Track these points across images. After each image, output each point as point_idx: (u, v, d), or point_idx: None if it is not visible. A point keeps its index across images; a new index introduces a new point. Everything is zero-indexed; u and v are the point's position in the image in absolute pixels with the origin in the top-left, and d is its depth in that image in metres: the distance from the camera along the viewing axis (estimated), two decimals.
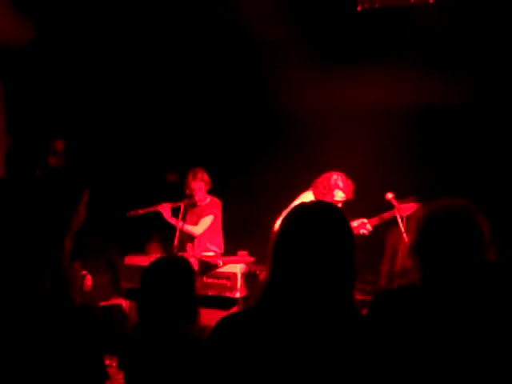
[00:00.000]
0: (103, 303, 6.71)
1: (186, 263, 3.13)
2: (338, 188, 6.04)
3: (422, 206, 2.49)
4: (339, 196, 6.05)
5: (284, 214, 2.06)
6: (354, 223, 6.22)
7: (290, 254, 1.96)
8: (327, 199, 6.05)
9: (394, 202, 5.93)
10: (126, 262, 6.56)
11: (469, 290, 1.74)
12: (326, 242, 1.95)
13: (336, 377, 1.75)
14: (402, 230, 5.76)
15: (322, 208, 2.06)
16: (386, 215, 6.13)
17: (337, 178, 6.07)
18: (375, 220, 6.21)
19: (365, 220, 6.25)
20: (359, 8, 7.02)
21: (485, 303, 1.46)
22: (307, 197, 5.96)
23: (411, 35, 7.00)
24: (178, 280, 2.98)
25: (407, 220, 5.72)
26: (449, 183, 6.65)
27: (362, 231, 6.26)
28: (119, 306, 6.59)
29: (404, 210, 5.83)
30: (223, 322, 2.00)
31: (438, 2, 6.80)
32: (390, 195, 5.97)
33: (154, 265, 3.08)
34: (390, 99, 7.04)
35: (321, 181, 6.10)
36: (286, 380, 1.83)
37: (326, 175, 6.12)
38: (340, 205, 6.11)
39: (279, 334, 1.88)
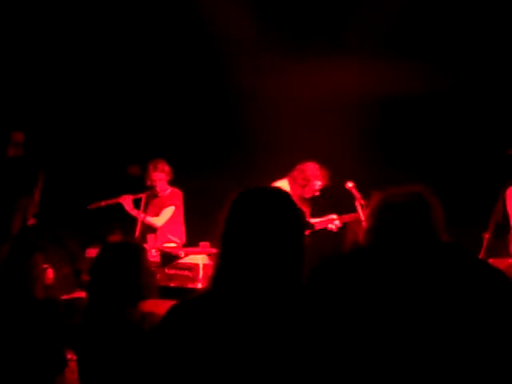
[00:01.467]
0: (65, 296, 6.66)
1: (132, 248, 3.19)
2: (316, 178, 6.13)
3: (379, 193, 2.53)
4: (318, 185, 6.15)
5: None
6: (323, 218, 6.29)
7: (238, 238, 1.98)
8: (308, 190, 6.14)
9: (354, 192, 5.98)
10: (87, 255, 6.52)
11: (414, 263, 1.76)
12: (272, 225, 1.97)
13: (284, 356, 1.78)
14: (362, 217, 5.82)
15: (267, 192, 2.08)
16: (350, 216, 6.20)
17: (313, 168, 6.17)
18: (346, 217, 6.28)
19: (334, 216, 6.31)
20: None
21: (430, 278, 1.48)
22: (282, 186, 6.00)
23: (372, 23, 7.04)
24: (120, 264, 3.06)
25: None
26: (412, 172, 6.73)
27: (330, 226, 6.33)
28: (81, 299, 6.55)
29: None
30: (174, 308, 2.02)
31: None
32: (350, 184, 6.03)
33: (100, 250, 3.19)
34: (351, 89, 7.09)
35: (298, 173, 6.17)
36: (236, 362, 1.85)
37: (302, 167, 6.19)
38: (317, 193, 6.21)
39: (229, 317, 1.90)
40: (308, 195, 6.28)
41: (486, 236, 5.56)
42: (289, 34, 7.39)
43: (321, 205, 6.33)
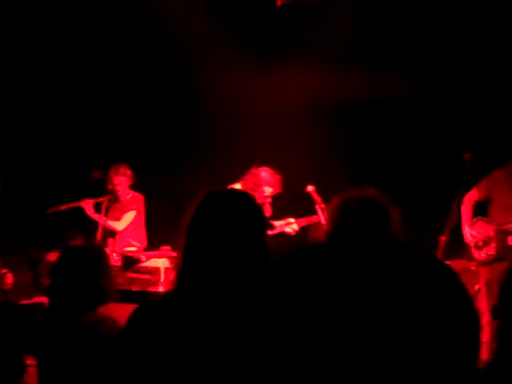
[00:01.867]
0: (25, 301, 6.60)
1: (92, 251, 3.18)
2: (267, 184, 6.11)
3: (338, 196, 2.59)
4: (268, 191, 6.12)
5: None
6: (281, 222, 6.31)
7: (202, 239, 2.01)
8: (258, 195, 6.13)
9: (315, 196, 6.04)
10: (48, 259, 6.48)
11: (370, 259, 1.80)
12: (236, 226, 2.01)
13: (250, 351, 1.81)
14: (323, 221, 5.88)
15: (231, 194, 2.14)
16: (309, 220, 6.25)
17: (265, 173, 6.14)
18: (303, 221, 6.31)
19: (291, 219, 6.34)
20: (278, 3, 7.11)
21: (384, 275, 1.52)
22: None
23: (333, 29, 7.13)
24: (79, 267, 3.04)
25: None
26: (370, 176, 6.82)
27: (288, 230, 6.36)
28: (41, 304, 6.51)
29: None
30: (139, 310, 2.03)
31: None
32: (310, 188, 6.08)
33: (60, 254, 3.16)
34: (311, 95, 7.16)
35: (250, 177, 6.15)
36: (202, 360, 1.88)
37: (254, 171, 6.17)
38: (269, 199, 6.20)
39: (194, 316, 1.93)
40: (258, 200, 6.22)
41: (443, 239, 5.66)
42: (249, 40, 7.44)
43: (282, 209, 6.38)
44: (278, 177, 6.13)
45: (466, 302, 0.94)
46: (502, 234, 5.57)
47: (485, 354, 5.34)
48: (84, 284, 3.01)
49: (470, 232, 5.86)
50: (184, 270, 2.03)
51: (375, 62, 7.11)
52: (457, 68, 6.98)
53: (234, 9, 7.54)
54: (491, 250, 5.65)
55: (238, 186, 6.16)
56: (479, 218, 5.90)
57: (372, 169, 7.02)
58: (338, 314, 1.00)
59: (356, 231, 2.27)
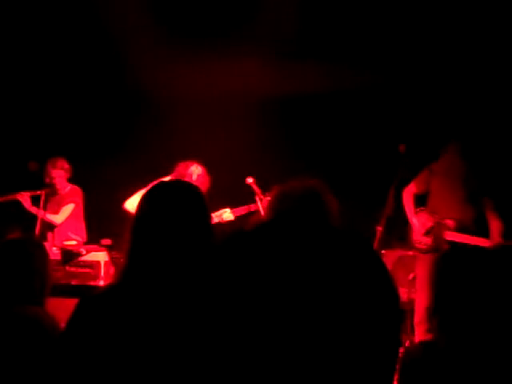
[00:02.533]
0: None
1: (27, 245, 3.11)
2: (191, 180, 6.07)
3: (276, 186, 2.66)
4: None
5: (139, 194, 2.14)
6: (216, 213, 6.33)
7: (150, 230, 2.04)
8: None
9: (255, 187, 6.10)
10: None
11: (305, 244, 1.84)
12: (182, 216, 2.04)
13: (196, 340, 1.83)
14: (262, 212, 5.95)
15: (175, 185, 2.19)
16: (253, 207, 6.29)
17: (194, 169, 6.10)
18: (240, 210, 6.33)
19: (227, 209, 6.35)
20: None
21: (317, 261, 1.55)
22: None
23: (270, 23, 7.19)
24: (14, 261, 2.97)
25: None
26: (309, 168, 6.91)
27: (225, 219, 6.37)
28: None
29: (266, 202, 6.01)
30: (83, 302, 2.03)
31: None
32: (250, 180, 6.13)
33: None
34: (248, 87, 7.21)
35: (180, 168, 6.13)
36: (149, 350, 1.89)
37: (187, 163, 6.15)
38: None
39: (141, 305, 1.94)
40: None
41: (379, 229, 5.81)
42: (187, 34, 7.44)
43: (222, 200, 6.40)
44: (207, 178, 6.07)
45: (386, 284, 1.00)
46: (440, 227, 5.73)
47: (419, 336, 5.49)
48: (22, 278, 2.94)
49: (415, 223, 5.94)
50: (130, 261, 2.04)
51: (311, 54, 7.20)
52: (394, 61, 7.11)
53: (173, 4, 7.54)
54: (429, 240, 5.81)
55: (166, 179, 6.07)
56: (422, 208, 6.03)
57: (311, 160, 7.12)
58: (270, 293, 1.05)
59: (292, 218, 2.32)
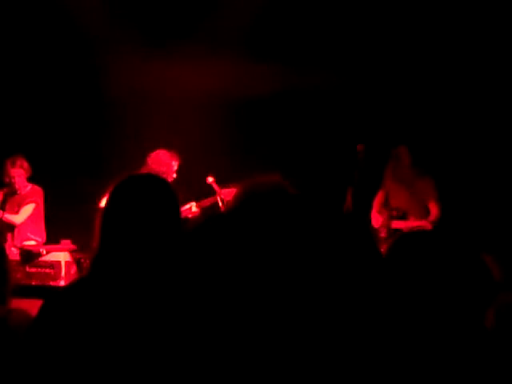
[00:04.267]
0: None
1: None
2: (173, 159, 6.22)
3: (239, 185, 2.70)
4: (176, 166, 6.24)
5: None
6: (184, 207, 6.35)
7: (118, 223, 2.05)
8: (170, 174, 6.16)
9: (215, 186, 6.15)
10: None
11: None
12: (151, 209, 2.05)
13: (169, 331, 1.84)
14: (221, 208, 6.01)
15: (144, 177, 2.21)
16: (209, 200, 6.35)
17: (164, 152, 6.26)
18: (205, 202, 6.38)
19: (193, 203, 6.40)
20: None
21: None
22: None
23: (230, 24, 7.23)
24: None
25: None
26: (268, 168, 6.95)
27: (193, 210, 6.41)
28: None
29: (226, 195, 6.08)
30: (52, 295, 2.03)
31: None
32: (210, 179, 6.19)
33: None
34: (210, 86, 7.23)
35: (155, 162, 6.16)
36: (122, 345, 1.88)
37: (156, 156, 6.22)
38: (175, 175, 6.29)
39: (111, 298, 1.94)
40: (170, 179, 6.23)
41: None
42: (154, 33, 7.45)
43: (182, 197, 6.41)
44: (172, 151, 6.26)
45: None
46: (388, 219, 6.38)
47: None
48: None
49: (375, 216, 6.51)
50: (99, 254, 2.04)
51: (268, 55, 7.26)
52: (355, 61, 7.20)
53: (142, 4, 7.54)
54: (383, 233, 6.35)
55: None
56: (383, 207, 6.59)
57: (270, 160, 7.17)
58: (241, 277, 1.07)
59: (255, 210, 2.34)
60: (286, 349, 1.08)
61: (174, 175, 6.32)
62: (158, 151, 6.33)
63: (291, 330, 1.08)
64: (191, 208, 6.38)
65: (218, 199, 6.14)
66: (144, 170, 6.10)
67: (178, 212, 2.15)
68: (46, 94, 7.96)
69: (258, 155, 7.27)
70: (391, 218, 6.35)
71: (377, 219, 6.46)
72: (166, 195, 2.12)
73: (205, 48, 7.21)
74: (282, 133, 7.48)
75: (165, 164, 6.24)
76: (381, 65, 7.15)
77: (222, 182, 6.21)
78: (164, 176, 6.12)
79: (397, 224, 6.28)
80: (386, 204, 6.57)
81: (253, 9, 7.10)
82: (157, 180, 2.19)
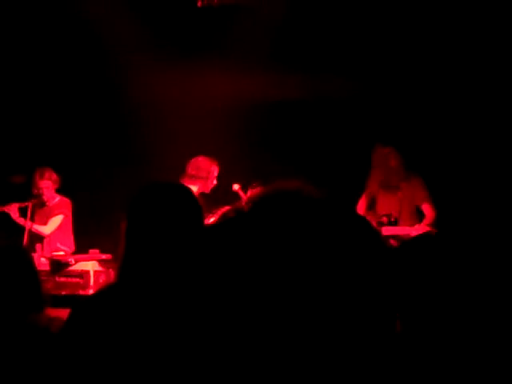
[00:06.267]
0: None
1: (22, 251, 3.11)
2: (213, 165, 6.16)
3: (261, 190, 2.70)
4: (216, 172, 6.20)
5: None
6: (217, 213, 6.31)
7: (140, 231, 2.06)
8: (210, 180, 6.12)
9: (241, 193, 6.15)
10: None
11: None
12: (174, 217, 2.06)
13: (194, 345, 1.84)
14: None
15: (167, 186, 2.20)
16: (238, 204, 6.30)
17: (204, 159, 6.20)
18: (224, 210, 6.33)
19: (228, 208, 6.33)
20: (199, 4, 7.19)
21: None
22: None
23: (252, 32, 7.25)
24: (15, 268, 2.93)
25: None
26: (292, 174, 6.94)
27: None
28: None
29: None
30: (80, 304, 2.06)
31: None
32: (236, 186, 6.18)
33: None
34: (233, 94, 7.25)
35: (195, 169, 6.05)
36: (151, 352, 1.90)
37: (196, 162, 6.12)
38: (216, 182, 6.24)
39: (136, 309, 1.95)
40: (211, 185, 6.17)
41: None
42: (174, 43, 7.49)
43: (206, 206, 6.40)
44: (212, 158, 6.24)
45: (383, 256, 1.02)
46: (378, 226, 6.03)
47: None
48: (25, 285, 2.89)
49: None
50: (125, 263, 2.06)
51: (297, 61, 7.27)
52: (375, 68, 7.19)
53: (156, 9, 7.58)
54: None
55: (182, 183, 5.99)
56: (369, 212, 6.35)
57: (294, 166, 7.17)
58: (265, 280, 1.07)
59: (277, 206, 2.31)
60: (304, 353, 1.08)
61: (215, 181, 6.25)
62: (197, 158, 6.24)
63: (308, 333, 1.08)
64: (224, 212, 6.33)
65: (246, 207, 6.10)
66: (183, 178, 6.10)
67: (200, 218, 2.15)
68: (72, 106, 8.04)
69: (281, 162, 7.27)
70: (381, 224, 6.00)
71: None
72: (189, 203, 2.12)
73: (228, 57, 7.25)
74: (305, 139, 7.48)
75: (205, 170, 6.16)
76: (401, 69, 7.13)
77: (247, 189, 6.22)
78: (205, 182, 6.12)
79: (388, 230, 5.94)
80: (370, 209, 6.34)
81: (275, 18, 7.12)
82: (179, 188, 2.20)
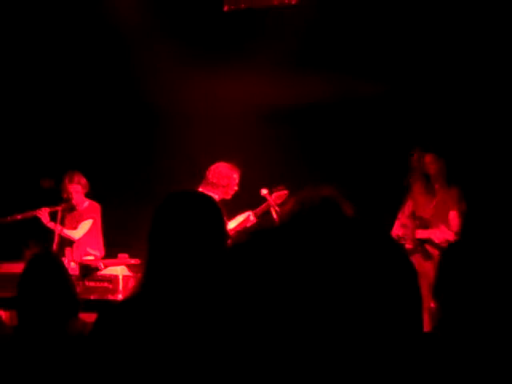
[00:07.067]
0: None
1: (54, 257, 3.15)
2: (234, 172, 6.08)
3: (292, 197, 2.70)
4: (237, 179, 6.13)
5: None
6: (238, 218, 6.29)
7: (164, 240, 2.06)
8: (231, 187, 6.06)
9: (269, 198, 6.11)
10: (2, 270, 6.42)
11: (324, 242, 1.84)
12: (198, 227, 2.06)
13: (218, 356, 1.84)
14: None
15: (190, 195, 2.21)
16: (263, 208, 6.26)
17: (224, 165, 6.07)
18: (261, 209, 6.26)
19: (248, 213, 6.29)
20: (225, 8, 7.19)
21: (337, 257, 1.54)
22: None
23: (277, 36, 7.24)
24: (52, 276, 2.98)
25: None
26: (321, 177, 6.92)
27: (250, 224, 6.31)
28: None
29: (276, 198, 6.05)
30: (104, 313, 2.07)
31: (301, 3, 7.07)
32: (264, 191, 6.14)
33: (26, 266, 3.07)
34: (260, 97, 7.25)
35: (216, 175, 5.92)
36: (170, 362, 1.91)
37: (216, 169, 5.99)
38: (237, 188, 6.19)
39: (161, 317, 1.96)
40: (232, 192, 6.10)
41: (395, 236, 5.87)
42: (201, 48, 7.51)
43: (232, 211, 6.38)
44: (233, 164, 6.15)
45: (411, 278, 1.01)
46: (412, 229, 6.10)
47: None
48: (61, 291, 2.95)
49: (396, 225, 6.29)
50: (148, 271, 2.06)
51: (322, 64, 7.23)
52: (406, 69, 7.12)
53: (182, 14, 7.60)
54: (409, 244, 6.12)
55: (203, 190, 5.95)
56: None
57: (323, 169, 7.14)
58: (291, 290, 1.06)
59: (308, 221, 2.31)
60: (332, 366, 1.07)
61: (236, 187, 6.17)
62: (217, 164, 6.11)
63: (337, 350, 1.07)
64: (249, 217, 6.31)
65: (273, 211, 6.07)
66: (204, 185, 6.04)
67: (223, 228, 2.15)
68: (100, 112, 8.10)
69: (311, 165, 7.24)
70: (415, 227, 6.12)
71: (398, 230, 6.25)
72: (211, 212, 2.12)
73: (254, 61, 7.23)
74: (334, 142, 7.43)
75: (226, 177, 6.05)
76: (435, 71, 7.05)
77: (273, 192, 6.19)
78: (225, 189, 6.05)
79: (420, 234, 6.05)
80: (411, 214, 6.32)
81: (303, 19, 7.10)
82: (203, 197, 2.20)
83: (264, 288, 1.06)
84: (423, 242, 5.97)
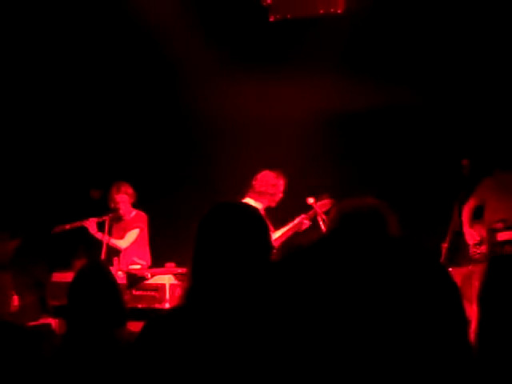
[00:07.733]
0: (31, 323, 6.63)
1: (102, 267, 3.18)
2: (280, 179, 6.09)
3: (336, 205, 2.66)
4: (283, 186, 6.15)
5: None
6: (291, 224, 6.26)
7: (209, 252, 2.06)
8: (277, 195, 6.08)
9: (316, 207, 6.08)
10: (52, 279, 6.51)
11: (367, 258, 1.82)
12: (243, 239, 2.05)
13: (261, 373, 1.84)
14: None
15: (234, 206, 2.19)
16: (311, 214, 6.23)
17: (269, 173, 6.10)
18: (312, 213, 6.23)
19: (303, 216, 6.27)
20: (271, 18, 7.19)
21: (379, 274, 1.52)
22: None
23: (323, 45, 7.22)
24: (102, 285, 3.02)
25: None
26: (366, 185, 6.87)
27: (304, 226, 6.29)
28: (48, 326, 6.53)
29: (321, 207, 6.03)
30: (149, 323, 2.07)
31: (347, 13, 7.04)
32: (311, 200, 6.12)
33: (76, 276, 3.11)
34: (306, 105, 7.23)
35: (262, 184, 5.94)
36: (213, 375, 1.90)
37: (262, 177, 6.01)
38: (282, 195, 6.18)
39: (205, 330, 1.95)
40: (277, 200, 6.13)
41: (444, 246, 5.77)
42: (244, 55, 7.53)
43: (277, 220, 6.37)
44: (278, 171, 6.16)
45: (454, 298, 0.98)
46: (491, 232, 6.07)
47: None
48: (109, 301, 2.99)
49: (470, 232, 6.27)
50: (193, 282, 2.07)
51: (369, 72, 7.19)
52: (454, 76, 7.04)
53: (229, 26, 7.64)
54: (484, 249, 6.09)
55: (247, 200, 5.96)
56: (475, 221, 6.33)
57: (372, 177, 7.08)
58: (333, 308, 1.04)
59: (353, 235, 2.29)
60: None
61: (281, 195, 6.19)
62: (263, 173, 6.15)
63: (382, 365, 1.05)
64: (303, 221, 6.28)
65: (320, 220, 6.05)
66: (251, 193, 6.07)
67: (267, 240, 2.14)
68: (147, 123, 8.17)
69: (359, 173, 7.19)
70: (494, 231, 6.03)
71: (472, 235, 6.22)
72: (256, 223, 2.12)
73: (300, 69, 7.23)
74: (384, 150, 7.37)
75: (272, 185, 6.09)
76: (482, 79, 6.95)
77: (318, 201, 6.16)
78: (272, 197, 6.08)
79: (503, 236, 5.98)
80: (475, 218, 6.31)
81: (347, 27, 7.07)
82: (246, 208, 2.20)
83: (305, 303, 1.05)
84: (504, 243, 5.95)
